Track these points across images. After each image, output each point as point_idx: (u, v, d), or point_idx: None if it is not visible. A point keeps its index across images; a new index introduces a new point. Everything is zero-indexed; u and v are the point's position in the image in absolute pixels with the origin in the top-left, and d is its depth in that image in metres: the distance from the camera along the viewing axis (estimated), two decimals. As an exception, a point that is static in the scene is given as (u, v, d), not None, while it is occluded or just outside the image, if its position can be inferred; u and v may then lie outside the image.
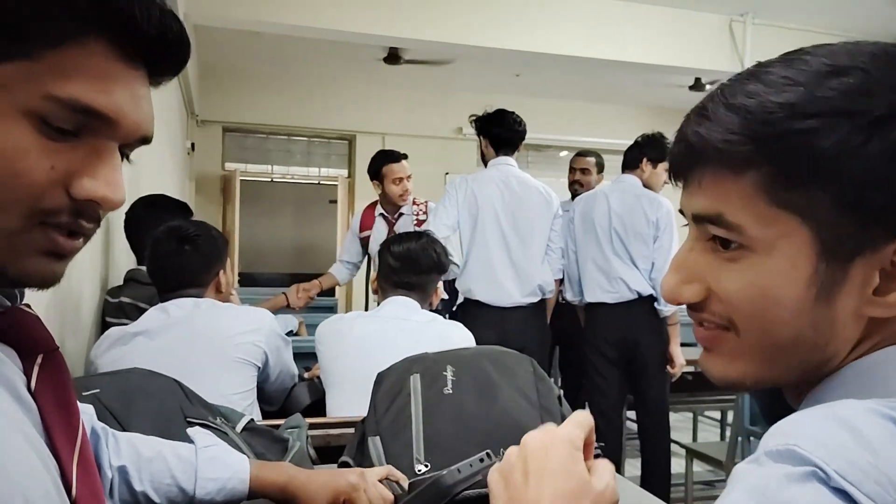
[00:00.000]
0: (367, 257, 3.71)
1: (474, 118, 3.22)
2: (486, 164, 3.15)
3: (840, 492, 0.38)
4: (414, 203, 3.58)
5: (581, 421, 0.58)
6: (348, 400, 1.73)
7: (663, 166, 3.13)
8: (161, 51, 0.55)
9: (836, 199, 0.48)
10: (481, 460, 0.56)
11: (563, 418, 1.28)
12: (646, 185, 3.15)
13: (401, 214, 3.57)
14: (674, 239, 3.06)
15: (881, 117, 0.47)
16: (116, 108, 0.52)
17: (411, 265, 1.93)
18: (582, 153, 4.26)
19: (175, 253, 1.75)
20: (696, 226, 0.55)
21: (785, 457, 0.41)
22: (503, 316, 2.96)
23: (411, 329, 1.79)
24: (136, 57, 0.54)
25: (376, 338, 1.78)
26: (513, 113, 3.14)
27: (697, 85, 6.47)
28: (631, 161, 3.21)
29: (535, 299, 3.02)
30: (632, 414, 4.49)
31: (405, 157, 3.54)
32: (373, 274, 2.14)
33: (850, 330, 0.51)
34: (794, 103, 0.49)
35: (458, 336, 1.87)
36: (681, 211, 0.59)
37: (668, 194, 3.10)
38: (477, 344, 2.83)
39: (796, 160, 0.49)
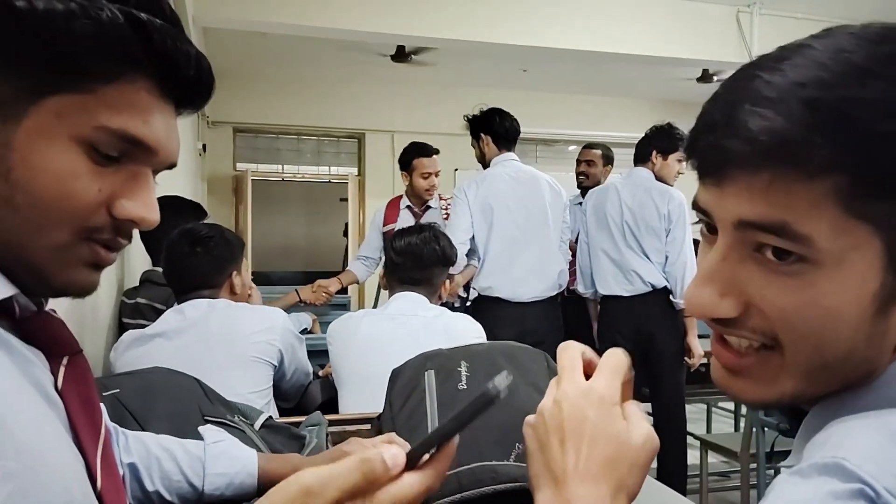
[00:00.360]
0: None
1: (470, 117, 3.23)
2: (485, 163, 3.17)
3: None
4: (441, 198, 3.57)
5: (615, 366, 0.55)
6: (358, 399, 1.75)
7: (675, 157, 3.10)
8: (195, 90, 0.62)
9: None
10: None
11: (577, 412, 1.29)
12: (658, 178, 3.13)
13: (427, 207, 3.54)
14: (687, 231, 3.02)
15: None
16: (156, 139, 0.59)
17: (414, 260, 1.92)
18: (588, 145, 4.27)
19: (187, 255, 1.78)
20: (737, 232, 0.49)
21: (832, 471, 0.39)
22: (522, 311, 2.99)
23: (418, 325, 1.80)
24: (171, 93, 0.61)
25: (383, 336, 1.79)
26: (505, 112, 3.21)
27: (705, 76, 6.44)
28: (642, 154, 3.20)
29: (554, 293, 3.08)
30: (647, 406, 4.49)
31: (437, 152, 3.53)
32: (380, 269, 2.20)
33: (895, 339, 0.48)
34: (880, 100, 0.43)
35: (465, 327, 1.86)
36: (702, 210, 0.52)
37: (681, 186, 3.11)
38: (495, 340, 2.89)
39: (880, 167, 0.43)
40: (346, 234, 7.58)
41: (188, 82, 0.60)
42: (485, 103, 3.30)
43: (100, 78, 0.55)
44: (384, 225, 3.59)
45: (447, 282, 2.03)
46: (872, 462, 0.38)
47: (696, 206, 0.53)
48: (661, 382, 3.11)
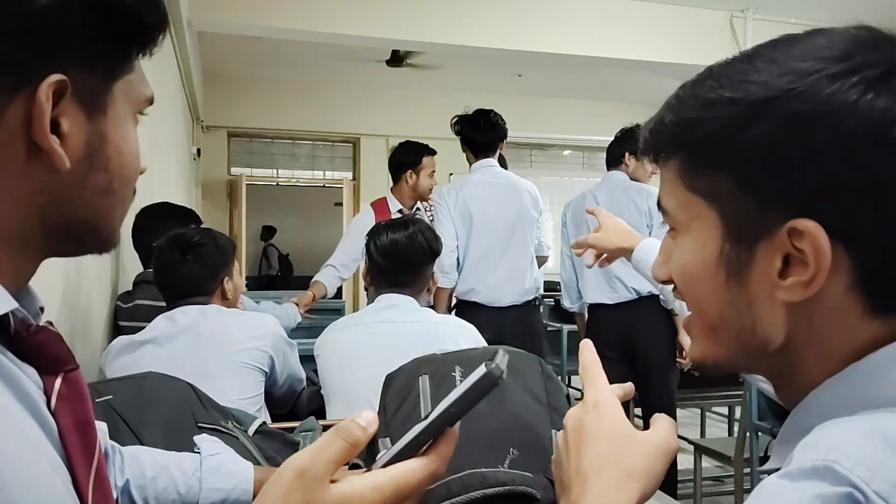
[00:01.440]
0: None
1: (454, 120, 3.23)
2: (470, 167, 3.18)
3: None
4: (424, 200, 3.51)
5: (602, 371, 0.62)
6: (344, 408, 1.72)
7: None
8: (160, 40, 0.62)
9: (736, 183, 0.50)
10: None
11: (572, 417, 1.28)
12: (633, 179, 3.12)
13: (416, 209, 3.44)
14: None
15: (758, 100, 0.49)
16: (153, 95, 0.63)
17: (402, 262, 1.80)
18: None
19: (177, 262, 1.74)
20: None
21: (822, 474, 0.39)
22: (500, 316, 2.99)
23: (397, 331, 1.73)
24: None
25: (363, 345, 1.73)
26: (489, 112, 3.16)
27: (700, 81, 6.46)
28: (613, 157, 3.20)
29: (530, 297, 3.07)
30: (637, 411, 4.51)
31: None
32: (363, 266, 1.97)
33: (774, 315, 0.50)
34: (706, 94, 0.52)
35: (449, 332, 1.77)
36: None
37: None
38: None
39: (699, 146, 0.52)
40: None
41: (160, 35, 0.61)
42: (469, 107, 3.28)
43: (139, 55, 0.58)
44: None
45: (436, 273, 1.93)
46: (864, 465, 0.38)
47: None
48: (651, 390, 3.01)
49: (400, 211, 3.33)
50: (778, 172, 0.48)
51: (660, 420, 0.58)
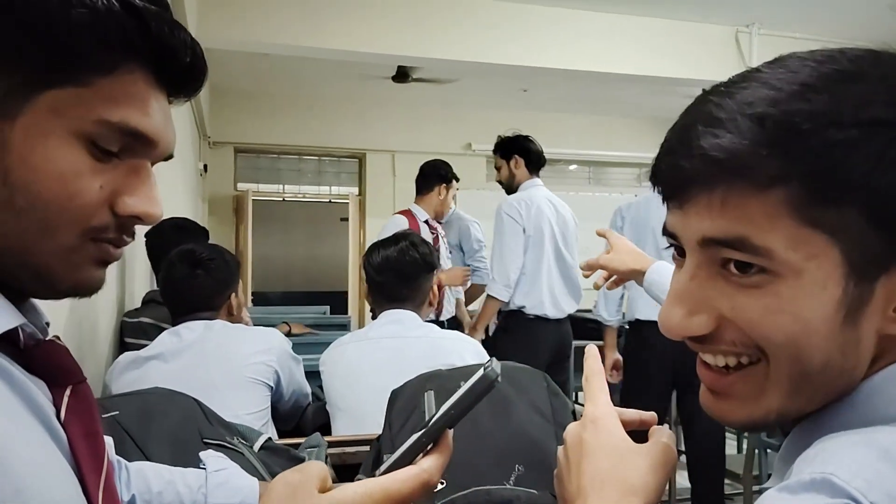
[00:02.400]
0: None
1: (504, 138, 3.29)
2: (511, 185, 3.27)
3: None
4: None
5: (600, 385, 0.60)
6: (349, 424, 1.71)
7: None
8: (190, 78, 0.60)
9: (869, 216, 0.45)
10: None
11: (578, 433, 1.28)
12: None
13: (438, 222, 3.59)
14: None
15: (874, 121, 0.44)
16: (156, 131, 0.57)
17: (397, 276, 1.80)
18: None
19: (188, 277, 1.76)
20: (702, 250, 0.50)
21: (820, 487, 0.39)
22: (558, 327, 3.18)
23: (401, 347, 1.74)
24: (166, 81, 0.58)
25: (367, 361, 1.74)
26: None
27: (705, 96, 6.46)
28: None
29: (573, 311, 3.27)
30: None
31: None
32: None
33: (870, 351, 0.48)
34: (825, 112, 0.45)
35: (454, 346, 1.77)
36: (670, 234, 0.54)
37: None
38: (538, 356, 3.00)
39: (830, 175, 0.45)
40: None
41: (184, 70, 0.58)
42: (515, 129, 3.37)
43: (97, 69, 0.52)
44: None
45: (435, 287, 1.93)
46: (861, 478, 0.39)
47: (665, 231, 0.54)
48: (700, 421, 2.76)
49: (427, 223, 3.46)
50: None
51: (658, 432, 0.57)
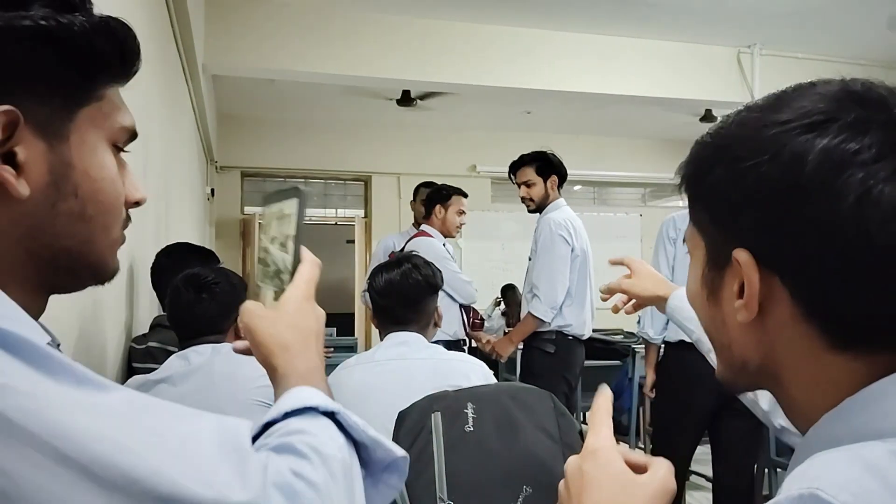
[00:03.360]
0: None
1: (546, 155, 3.32)
2: (541, 204, 3.25)
3: None
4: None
5: (602, 418, 0.62)
6: None
7: None
8: (135, 70, 0.65)
9: (710, 217, 0.58)
10: None
11: (585, 453, 1.28)
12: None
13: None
14: None
15: (720, 145, 0.57)
16: (136, 126, 0.64)
17: (400, 299, 1.80)
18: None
19: (193, 301, 1.76)
20: None
21: (807, 502, 0.41)
22: (583, 347, 3.24)
23: (407, 369, 1.73)
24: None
25: (374, 383, 1.72)
26: None
27: (708, 116, 6.50)
28: None
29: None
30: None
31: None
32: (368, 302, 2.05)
33: (743, 336, 0.56)
34: (699, 138, 0.61)
35: (460, 368, 1.75)
36: None
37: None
38: (576, 377, 3.03)
39: (690, 183, 0.60)
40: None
41: (135, 67, 0.64)
42: (550, 149, 3.39)
43: (106, 84, 0.60)
44: None
45: (440, 307, 1.93)
46: (847, 492, 0.41)
47: None
48: (735, 442, 2.60)
49: (444, 244, 3.48)
50: (728, 209, 0.55)
51: (657, 463, 0.58)
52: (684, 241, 0.65)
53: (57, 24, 0.53)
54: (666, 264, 2.77)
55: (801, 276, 0.51)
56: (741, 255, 0.53)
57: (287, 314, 0.71)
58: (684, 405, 2.67)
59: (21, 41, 0.52)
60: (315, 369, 0.70)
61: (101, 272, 0.63)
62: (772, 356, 0.55)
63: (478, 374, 1.80)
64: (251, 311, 0.73)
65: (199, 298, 1.76)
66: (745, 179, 0.52)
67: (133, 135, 0.63)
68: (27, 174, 0.53)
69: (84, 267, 0.60)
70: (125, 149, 0.64)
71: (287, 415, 0.59)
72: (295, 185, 0.75)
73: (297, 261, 0.73)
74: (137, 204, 0.65)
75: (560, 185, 3.29)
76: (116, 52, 0.59)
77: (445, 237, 3.56)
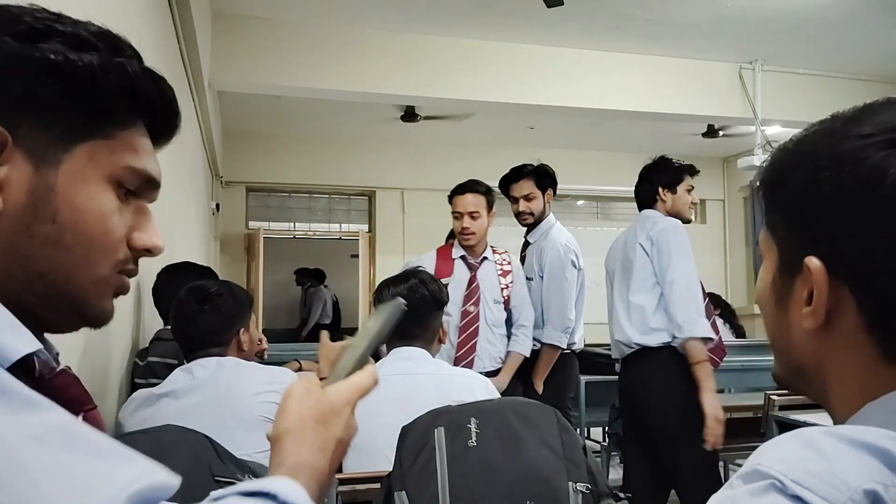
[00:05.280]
0: None
1: (546, 168, 3.15)
2: (538, 219, 3.10)
3: (796, 498, 0.43)
4: (494, 251, 3.04)
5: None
6: (357, 462, 1.70)
7: (683, 188, 2.75)
8: (172, 124, 0.68)
9: (785, 223, 0.59)
10: None
11: (589, 469, 1.28)
12: (671, 214, 2.69)
13: (484, 259, 2.99)
14: (677, 257, 2.47)
15: (802, 153, 0.57)
16: (159, 174, 0.66)
17: (406, 314, 1.82)
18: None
19: (195, 313, 1.77)
20: None
21: (750, 476, 0.46)
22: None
23: (412, 384, 1.73)
24: (154, 130, 0.66)
25: (377, 398, 1.72)
26: None
27: (710, 132, 6.52)
28: (645, 197, 2.78)
29: None
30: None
31: (483, 190, 2.98)
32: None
33: (805, 342, 0.58)
34: (780, 145, 0.62)
35: (464, 383, 1.75)
36: None
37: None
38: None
39: (767, 189, 0.61)
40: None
41: (167, 118, 0.67)
42: (552, 163, 3.25)
43: (119, 125, 0.61)
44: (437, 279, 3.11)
45: (444, 324, 1.92)
46: (782, 462, 0.45)
47: None
48: (674, 465, 2.48)
49: (462, 258, 2.97)
50: (805, 216, 0.56)
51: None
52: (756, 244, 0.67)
53: (65, 59, 0.56)
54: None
55: (871, 288, 0.52)
56: (813, 263, 0.54)
57: (316, 405, 0.70)
58: (624, 427, 2.76)
59: (27, 71, 0.56)
60: (308, 468, 0.66)
61: (84, 310, 0.62)
62: (824, 363, 0.57)
63: (481, 388, 1.80)
64: (298, 383, 0.72)
65: (201, 310, 1.77)
66: (823, 188, 0.53)
67: (148, 180, 0.64)
68: (5, 192, 0.55)
69: (61, 297, 0.60)
70: (148, 199, 0.66)
71: (239, 494, 0.58)
72: (399, 297, 0.79)
73: (360, 363, 0.75)
74: (149, 252, 0.65)
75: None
76: (125, 95, 0.60)
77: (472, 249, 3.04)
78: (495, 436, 1.27)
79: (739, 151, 7.16)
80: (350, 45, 4.62)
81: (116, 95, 0.60)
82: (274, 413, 1.85)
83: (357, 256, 7.48)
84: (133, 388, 2.18)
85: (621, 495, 1.30)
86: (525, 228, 3.22)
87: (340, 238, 7.78)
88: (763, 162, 0.64)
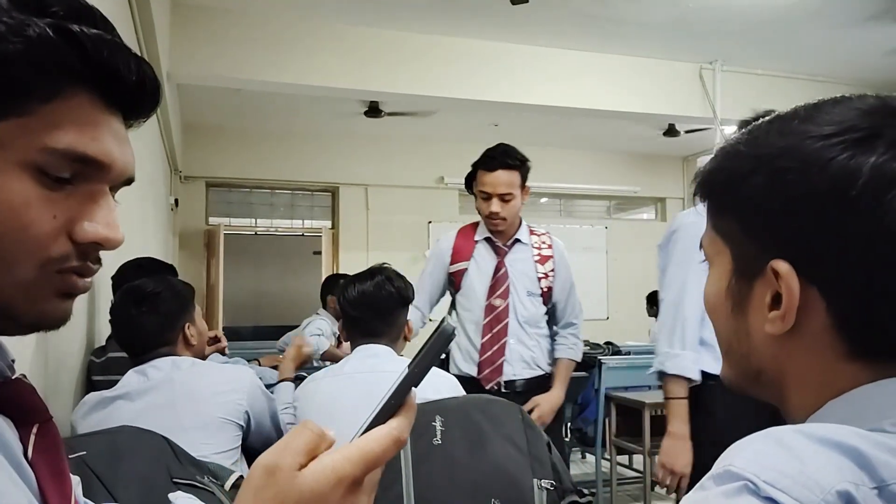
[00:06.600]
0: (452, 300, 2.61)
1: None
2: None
3: (770, 500, 0.42)
4: (532, 232, 2.59)
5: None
6: None
7: None
8: (140, 97, 0.58)
9: (740, 226, 0.58)
10: None
11: (553, 466, 1.28)
12: None
13: (516, 241, 2.54)
14: (678, 266, 1.99)
15: (757, 155, 0.56)
16: (107, 154, 0.55)
17: (373, 311, 1.78)
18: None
19: (133, 317, 1.70)
20: None
21: (724, 478, 0.45)
22: None
23: (374, 381, 1.69)
24: (115, 103, 0.57)
25: (342, 396, 1.70)
26: None
27: (671, 130, 6.62)
28: None
29: None
30: (622, 459, 4.47)
31: (517, 164, 2.46)
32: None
33: (766, 346, 0.57)
34: (726, 147, 0.61)
35: (429, 379, 1.73)
36: None
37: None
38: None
39: (717, 192, 0.60)
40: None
41: (131, 90, 0.56)
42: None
43: (37, 98, 0.51)
44: (452, 263, 2.55)
45: (410, 321, 1.90)
46: (755, 463, 0.44)
47: None
48: None
49: (488, 240, 2.53)
50: (766, 219, 0.55)
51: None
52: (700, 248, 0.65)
53: None
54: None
55: (842, 288, 0.52)
56: (781, 266, 0.53)
57: (276, 498, 0.48)
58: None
59: None
60: None
61: (16, 317, 0.54)
62: (785, 365, 0.57)
63: (447, 386, 1.79)
64: (259, 462, 0.50)
65: (139, 312, 1.71)
66: (788, 190, 0.53)
67: (84, 161, 0.54)
68: None
69: None
70: (102, 183, 0.56)
71: None
72: (447, 321, 0.54)
73: (383, 413, 0.53)
74: (99, 244, 0.56)
75: None
76: (41, 61, 0.50)
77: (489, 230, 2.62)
78: (460, 434, 1.26)
79: (699, 150, 7.29)
80: (313, 39, 4.57)
81: (26, 65, 0.50)
82: (234, 414, 1.83)
83: (320, 253, 7.41)
84: (91, 386, 2.12)
85: (585, 491, 1.31)
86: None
87: (303, 234, 7.69)
88: (703, 166, 0.63)
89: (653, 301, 6.53)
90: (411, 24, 4.65)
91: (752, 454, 0.45)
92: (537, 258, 2.51)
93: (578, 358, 2.54)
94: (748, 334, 0.58)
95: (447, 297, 2.65)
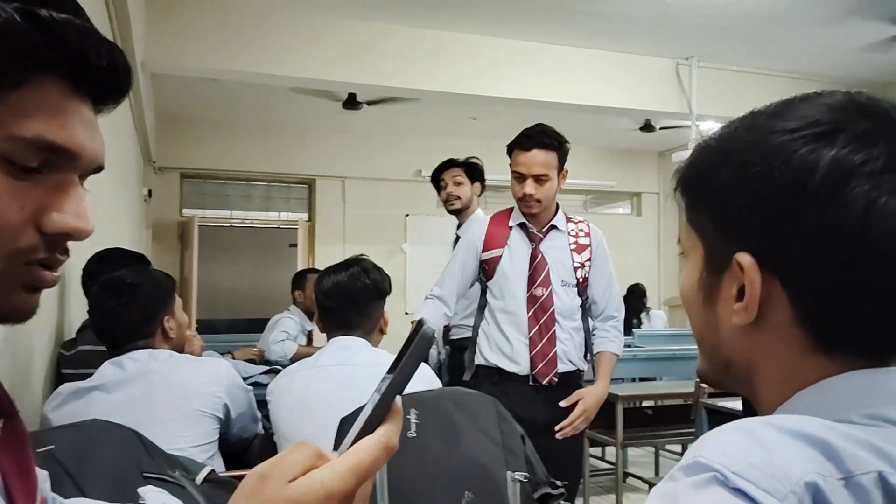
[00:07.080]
0: (483, 290, 2.46)
1: (476, 162, 3.28)
2: (468, 209, 3.21)
3: (738, 491, 0.43)
4: (568, 220, 2.47)
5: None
6: None
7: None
8: (110, 83, 0.56)
9: (710, 220, 0.59)
10: None
11: (527, 458, 1.29)
12: None
13: (552, 228, 2.41)
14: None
15: (727, 150, 0.57)
16: (76, 142, 0.53)
17: (347, 302, 1.78)
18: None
19: (112, 308, 1.68)
20: None
21: (693, 469, 0.45)
22: None
23: (350, 374, 1.70)
24: (85, 89, 0.55)
25: (316, 389, 1.70)
26: None
27: (647, 126, 6.67)
28: None
29: None
30: (595, 451, 4.50)
31: (555, 144, 2.37)
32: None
33: (734, 338, 0.58)
34: (700, 142, 0.62)
35: None
36: None
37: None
38: None
39: (690, 186, 0.61)
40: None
41: (101, 76, 0.55)
42: (494, 153, 3.32)
43: (4, 85, 0.50)
44: (485, 251, 2.41)
45: (387, 314, 1.88)
46: (723, 454, 0.45)
47: None
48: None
49: (522, 226, 2.40)
50: (733, 213, 0.56)
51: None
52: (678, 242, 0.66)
53: None
54: None
55: (803, 281, 0.53)
56: (744, 259, 0.54)
57: (299, 493, 0.47)
58: None
59: None
60: None
61: None
62: (753, 357, 0.57)
63: (423, 378, 1.79)
64: (254, 471, 0.49)
65: (117, 304, 1.68)
66: (752, 184, 0.54)
67: (53, 149, 0.52)
68: None
69: None
70: (71, 172, 0.54)
71: None
72: (424, 322, 0.52)
73: (370, 423, 0.51)
74: (68, 235, 0.54)
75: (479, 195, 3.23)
76: (22, 52, 0.49)
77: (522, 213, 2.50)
78: (435, 426, 1.26)
79: (675, 146, 7.36)
80: (289, 30, 4.53)
81: None
82: (212, 406, 1.81)
83: (296, 245, 7.37)
84: (61, 379, 2.09)
85: (558, 483, 1.32)
86: (456, 223, 3.23)
87: (279, 227, 7.64)
88: (682, 161, 0.63)
89: (640, 294, 6.54)
90: (390, 16, 4.63)
91: (720, 445, 0.46)
92: (573, 246, 2.39)
93: (620, 352, 2.41)
94: (717, 326, 0.59)
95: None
